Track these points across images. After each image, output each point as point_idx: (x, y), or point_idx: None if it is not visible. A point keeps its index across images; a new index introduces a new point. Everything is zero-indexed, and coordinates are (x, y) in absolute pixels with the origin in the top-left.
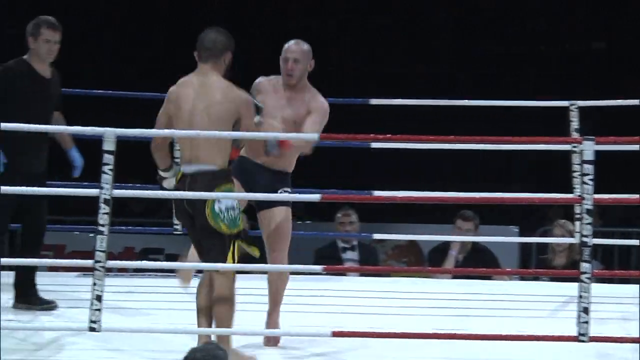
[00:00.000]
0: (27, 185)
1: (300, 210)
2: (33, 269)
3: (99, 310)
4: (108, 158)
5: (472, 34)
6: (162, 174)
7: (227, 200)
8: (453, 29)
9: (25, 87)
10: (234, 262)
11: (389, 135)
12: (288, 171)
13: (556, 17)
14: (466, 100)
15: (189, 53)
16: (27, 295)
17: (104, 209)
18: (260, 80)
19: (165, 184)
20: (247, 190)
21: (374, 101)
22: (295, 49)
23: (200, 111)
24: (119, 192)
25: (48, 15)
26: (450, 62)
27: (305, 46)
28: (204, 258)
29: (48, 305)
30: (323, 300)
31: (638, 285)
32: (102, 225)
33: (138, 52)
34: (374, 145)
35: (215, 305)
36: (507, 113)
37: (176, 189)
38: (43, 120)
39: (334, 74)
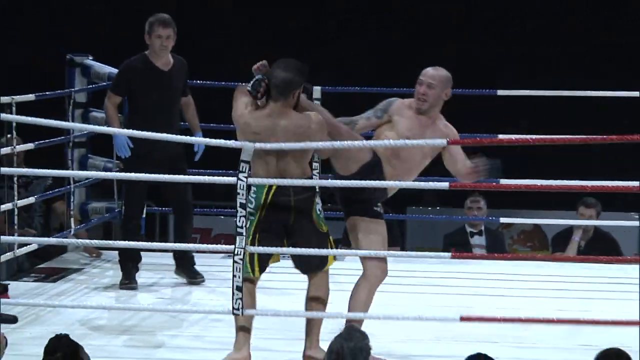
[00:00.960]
0: (156, 171)
1: (432, 197)
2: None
3: (240, 299)
4: None
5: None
6: None
7: (319, 204)
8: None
9: (143, 79)
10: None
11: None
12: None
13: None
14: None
15: None
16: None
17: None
18: (396, 101)
19: None
20: None
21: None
22: (431, 73)
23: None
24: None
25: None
26: None
27: (443, 72)
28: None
29: (198, 279)
30: (452, 282)
31: None
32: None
33: None
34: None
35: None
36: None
37: (278, 202)
38: (165, 109)
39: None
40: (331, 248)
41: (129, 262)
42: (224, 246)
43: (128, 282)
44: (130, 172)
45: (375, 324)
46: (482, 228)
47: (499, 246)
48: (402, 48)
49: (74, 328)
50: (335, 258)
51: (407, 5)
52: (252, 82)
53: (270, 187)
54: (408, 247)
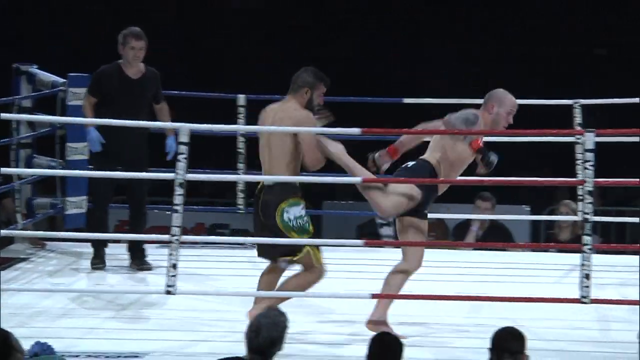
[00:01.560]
0: (121, 169)
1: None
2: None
3: (174, 276)
4: (183, 148)
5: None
6: None
7: (295, 210)
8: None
9: (114, 85)
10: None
11: (413, 129)
12: None
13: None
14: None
15: None
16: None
17: (179, 190)
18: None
19: None
20: None
21: (408, 100)
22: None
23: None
24: (191, 176)
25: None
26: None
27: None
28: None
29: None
30: (364, 268)
31: (633, 256)
32: (177, 205)
33: None
34: None
35: (284, 284)
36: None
37: (253, 197)
38: (132, 114)
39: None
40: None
41: (100, 245)
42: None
43: (98, 261)
44: (97, 167)
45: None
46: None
47: None
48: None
49: (21, 311)
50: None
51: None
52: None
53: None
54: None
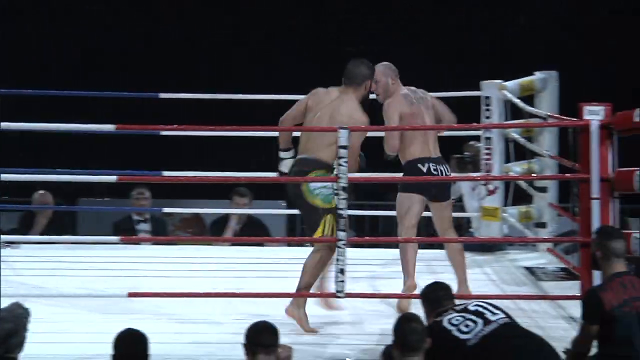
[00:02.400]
0: None
1: (102, 189)
2: None
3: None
4: (343, 152)
5: None
6: (281, 154)
7: (320, 183)
8: None
9: None
10: (324, 234)
11: (175, 125)
12: None
13: None
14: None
15: None
16: None
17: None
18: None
19: (282, 166)
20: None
21: (164, 95)
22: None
23: (326, 115)
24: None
25: None
26: None
27: (379, 67)
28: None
29: None
30: (120, 266)
31: (386, 249)
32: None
33: None
34: (163, 133)
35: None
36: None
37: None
38: None
39: None
40: (324, 224)
41: None
42: None
43: None
44: None
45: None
46: (148, 216)
47: (162, 232)
48: None
49: None
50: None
51: None
52: None
53: None
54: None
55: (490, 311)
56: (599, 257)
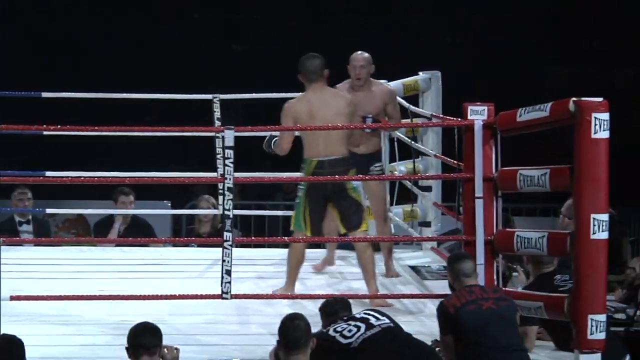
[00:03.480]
0: None
1: None
2: None
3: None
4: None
5: None
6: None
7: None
8: None
9: None
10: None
11: (59, 126)
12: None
13: None
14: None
15: None
16: None
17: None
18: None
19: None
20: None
21: (46, 94)
22: (361, 57)
23: (334, 114)
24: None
25: None
26: None
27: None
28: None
29: None
30: (2, 269)
31: (271, 248)
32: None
33: None
34: (46, 133)
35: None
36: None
37: (315, 174)
38: None
39: None
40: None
41: None
42: None
43: None
44: None
45: None
46: (30, 217)
47: (46, 233)
48: None
49: None
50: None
51: None
52: None
53: None
54: None
55: (375, 317)
56: (451, 282)
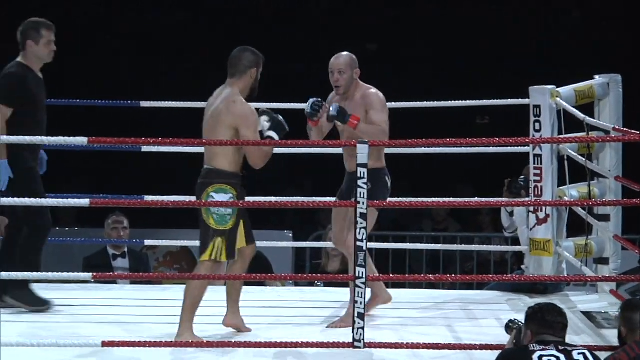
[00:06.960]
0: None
1: (70, 217)
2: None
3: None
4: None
5: None
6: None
7: (220, 197)
8: None
9: (36, 93)
10: (210, 258)
11: (160, 139)
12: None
13: None
14: None
15: None
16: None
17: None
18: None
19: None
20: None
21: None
22: (337, 62)
23: (209, 118)
24: None
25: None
26: None
27: (347, 57)
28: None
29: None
30: (93, 310)
31: (413, 289)
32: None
33: None
34: (145, 149)
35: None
36: None
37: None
38: (45, 121)
39: None
40: (213, 246)
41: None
42: None
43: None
44: (27, 185)
45: None
46: (126, 250)
47: (143, 268)
48: None
49: None
50: (211, 255)
51: None
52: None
53: None
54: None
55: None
56: (623, 334)
